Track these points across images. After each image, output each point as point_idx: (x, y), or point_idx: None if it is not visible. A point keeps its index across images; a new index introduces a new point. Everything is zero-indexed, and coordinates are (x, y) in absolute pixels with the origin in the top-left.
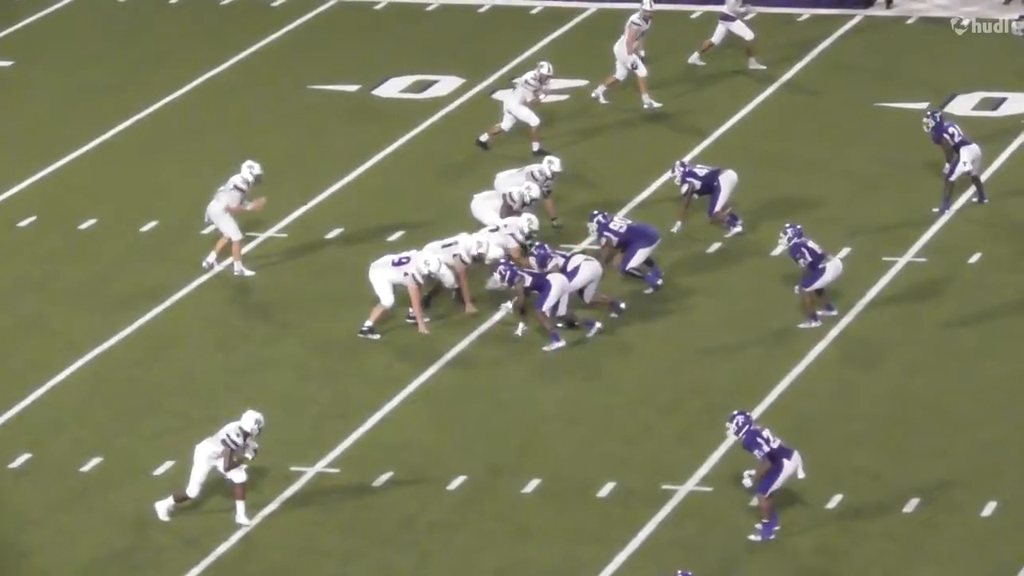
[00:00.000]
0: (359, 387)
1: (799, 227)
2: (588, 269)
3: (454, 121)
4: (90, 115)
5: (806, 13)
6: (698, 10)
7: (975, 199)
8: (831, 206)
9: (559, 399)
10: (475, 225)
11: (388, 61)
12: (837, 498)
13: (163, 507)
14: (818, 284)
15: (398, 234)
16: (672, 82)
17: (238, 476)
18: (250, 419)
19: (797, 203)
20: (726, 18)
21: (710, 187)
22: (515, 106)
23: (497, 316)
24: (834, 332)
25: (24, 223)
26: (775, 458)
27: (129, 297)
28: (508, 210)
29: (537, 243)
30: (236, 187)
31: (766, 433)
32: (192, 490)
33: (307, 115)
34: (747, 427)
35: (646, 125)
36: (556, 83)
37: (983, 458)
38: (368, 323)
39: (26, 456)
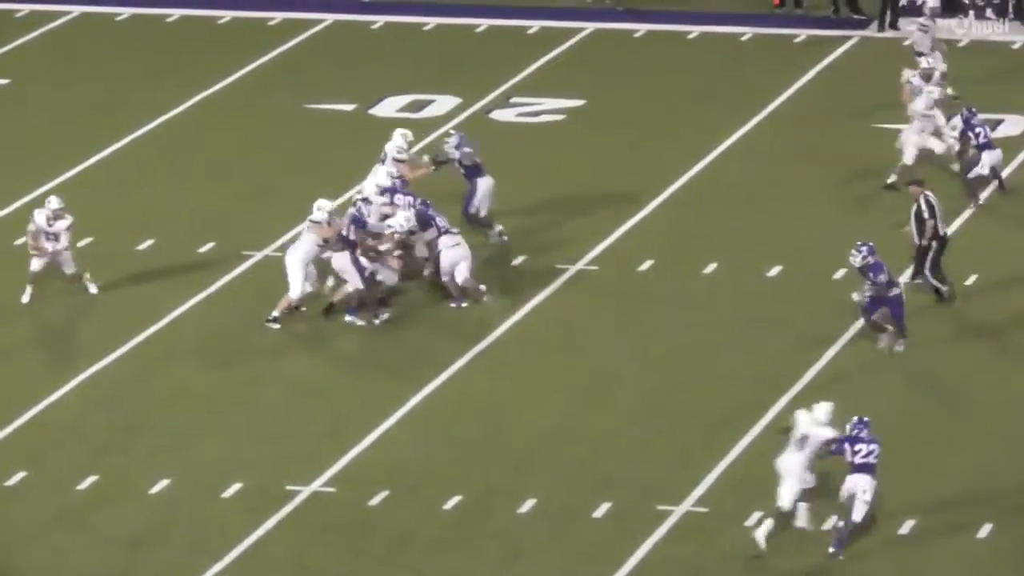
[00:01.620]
0: (355, 406)
1: (871, 245)
2: (449, 257)
3: None
4: (86, 133)
5: (803, 34)
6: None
7: (999, 190)
8: (826, 226)
9: (555, 418)
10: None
11: (385, 80)
12: (833, 519)
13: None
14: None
15: None
16: (667, 101)
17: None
18: (823, 410)
19: (792, 223)
20: (924, 28)
21: (470, 179)
22: (917, 137)
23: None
24: (830, 353)
25: (20, 241)
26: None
27: (125, 315)
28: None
29: (423, 201)
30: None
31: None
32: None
33: (304, 134)
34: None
35: (639, 143)
36: (552, 103)
37: (979, 479)
38: (274, 313)
39: (21, 474)
